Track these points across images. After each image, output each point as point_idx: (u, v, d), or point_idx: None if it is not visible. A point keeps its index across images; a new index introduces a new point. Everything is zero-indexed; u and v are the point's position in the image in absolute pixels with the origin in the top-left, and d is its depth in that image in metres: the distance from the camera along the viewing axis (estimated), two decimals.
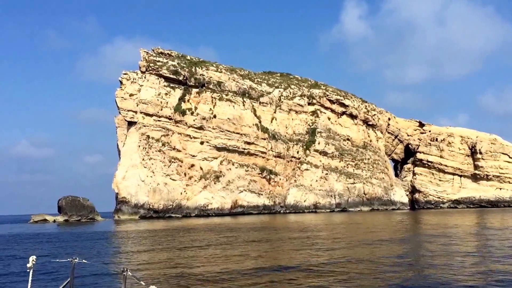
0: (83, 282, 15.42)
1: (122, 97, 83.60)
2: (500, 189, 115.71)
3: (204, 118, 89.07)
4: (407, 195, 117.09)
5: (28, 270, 5.91)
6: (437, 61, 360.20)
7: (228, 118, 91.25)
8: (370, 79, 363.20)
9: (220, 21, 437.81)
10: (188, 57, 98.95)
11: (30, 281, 6.11)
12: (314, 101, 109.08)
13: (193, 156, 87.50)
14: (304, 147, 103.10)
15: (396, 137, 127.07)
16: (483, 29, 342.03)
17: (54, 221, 74.27)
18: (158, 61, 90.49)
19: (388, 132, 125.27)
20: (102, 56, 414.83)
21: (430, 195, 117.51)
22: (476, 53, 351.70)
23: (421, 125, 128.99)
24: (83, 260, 6.45)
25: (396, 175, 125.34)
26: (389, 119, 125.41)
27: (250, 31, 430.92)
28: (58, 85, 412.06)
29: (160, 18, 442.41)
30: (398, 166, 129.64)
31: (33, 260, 5.99)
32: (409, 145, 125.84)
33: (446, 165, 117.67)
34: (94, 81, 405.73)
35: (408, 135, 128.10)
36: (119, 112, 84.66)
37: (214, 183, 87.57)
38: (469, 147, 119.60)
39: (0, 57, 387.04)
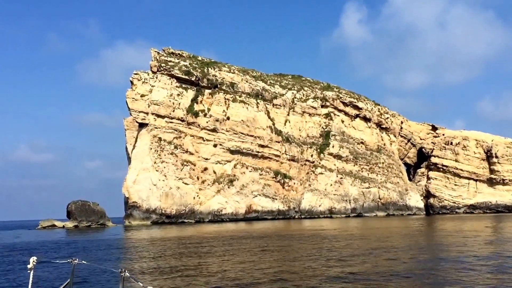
0: (83, 283, 15.88)
1: (133, 98, 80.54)
2: None
3: (217, 120, 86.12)
4: (421, 200, 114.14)
5: (28, 271, 5.86)
6: (437, 66, 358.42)
7: (242, 120, 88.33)
8: (370, 84, 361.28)
9: (220, 25, 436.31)
10: (200, 58, 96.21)
11: (30, 282, 6.00)
12: (328, 103, 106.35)
13: (206, 159, 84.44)
14: (318, 150, 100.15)
15: (409, 140, 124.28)
16: (483, 34, 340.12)
17: (63, 226, 70.91)
18: (170, 61, 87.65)
19: (401, 136, 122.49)
20: (103, 59, 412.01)
21: (445, 200, 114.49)
22: (476, 59, 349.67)
23: (434, 128, 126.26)
24: (83, 261, 6.29)
25: (409, 179, 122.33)
26: (401, 122, 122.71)
27: (249, 36, 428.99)
28: (58, 89, 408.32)
29: (161, 22, 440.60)
30: (411, 170, 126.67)
31: (33, 261, 5.90)
32: (423, 149, 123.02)
33: (461, 169, 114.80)
34: (95, 85, 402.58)
35: (421, 139, 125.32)
36: (130, 114, 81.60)
37: (228, 187, 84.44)
38: (484, 151, 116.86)
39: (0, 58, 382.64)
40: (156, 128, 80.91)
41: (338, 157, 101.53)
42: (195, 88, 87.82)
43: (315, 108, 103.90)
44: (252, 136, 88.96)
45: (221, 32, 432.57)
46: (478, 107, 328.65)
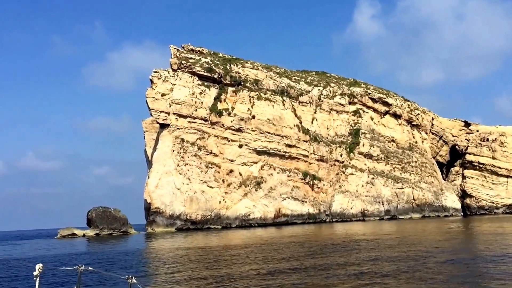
0: None
1: (154, 97, 76.09)
2: None
3: (242, 119, 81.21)
4: (457, 200, 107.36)
5: (34, 279, 5.73)
6: (453, 61, 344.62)
7: (268, 119, 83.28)
8: (383, 81, 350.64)
9: (228, 23, 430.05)
10: (221, 54, 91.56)
11: None
12: (356, 100, 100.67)
13: (232, 160, 79.52)
14: (348, 149, 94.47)
15: (440, 138, 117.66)
16: (502, 26, 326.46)
17: (84, 235, 66.56)
18: (190, 58, 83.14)
19: (432, 133, 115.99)
20: (110, 62, 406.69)
21: (482, 199, 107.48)
22: (494, 52, 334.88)
23: (467, 124, 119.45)
24: (89, 268, 6.22)
25: (443, 179, 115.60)
26: (432, 119, 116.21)
27: (260, 33, 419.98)
28: (64, 94, 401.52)
29: (169, 23, 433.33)
30: (444, 169, 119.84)
31: (39, 268, 5.80)
32: (456, 146, 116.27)
33: (499, 167, 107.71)
34: (101, 89, 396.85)
35: (453, 136, 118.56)
36: (150, 114, 77.19)
37: (255, 190, 79.33)
38: None
39: (3, 63, 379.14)
40: (178, 128, 76.37)
41: (368, 156, 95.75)
42: (217, 86, 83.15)
43: (342, 105, 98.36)
44: (279, 135, 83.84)
45: (230, 30, 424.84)
46: (495, 103, 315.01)
